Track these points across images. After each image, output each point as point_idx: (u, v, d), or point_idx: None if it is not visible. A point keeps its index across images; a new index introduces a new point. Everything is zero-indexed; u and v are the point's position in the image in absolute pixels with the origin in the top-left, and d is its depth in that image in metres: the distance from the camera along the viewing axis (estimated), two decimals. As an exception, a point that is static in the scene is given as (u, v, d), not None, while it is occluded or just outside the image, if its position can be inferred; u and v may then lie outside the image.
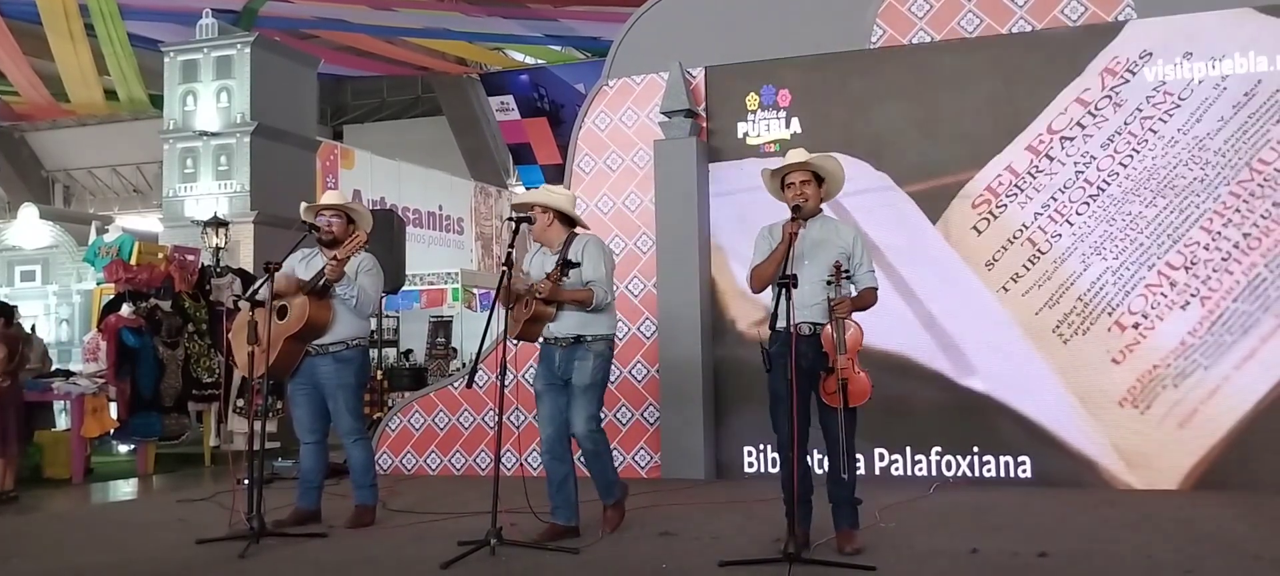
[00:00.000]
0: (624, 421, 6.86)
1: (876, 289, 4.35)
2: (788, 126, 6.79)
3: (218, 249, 10.18)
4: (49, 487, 7.39)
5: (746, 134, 6.89)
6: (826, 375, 4.16)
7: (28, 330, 8.68)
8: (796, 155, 4.36)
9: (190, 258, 9.22)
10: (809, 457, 4.33)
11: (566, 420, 4.71)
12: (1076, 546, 4.35)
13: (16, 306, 7.39)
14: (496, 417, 4.52)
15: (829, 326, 4.15)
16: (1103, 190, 6.14)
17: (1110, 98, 6.16)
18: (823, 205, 4.40)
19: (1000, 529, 4.79)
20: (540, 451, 4.80)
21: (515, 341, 4.71)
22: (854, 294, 4.27)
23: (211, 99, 12.01)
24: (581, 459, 4.79)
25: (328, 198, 5.24)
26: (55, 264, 12.61)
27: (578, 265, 4.58)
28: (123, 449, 8.65)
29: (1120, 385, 6.01)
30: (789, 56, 6.79)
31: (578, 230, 4.84)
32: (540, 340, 4.77)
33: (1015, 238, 6.26)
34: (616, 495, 4.87)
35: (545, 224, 4.76)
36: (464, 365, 12.51)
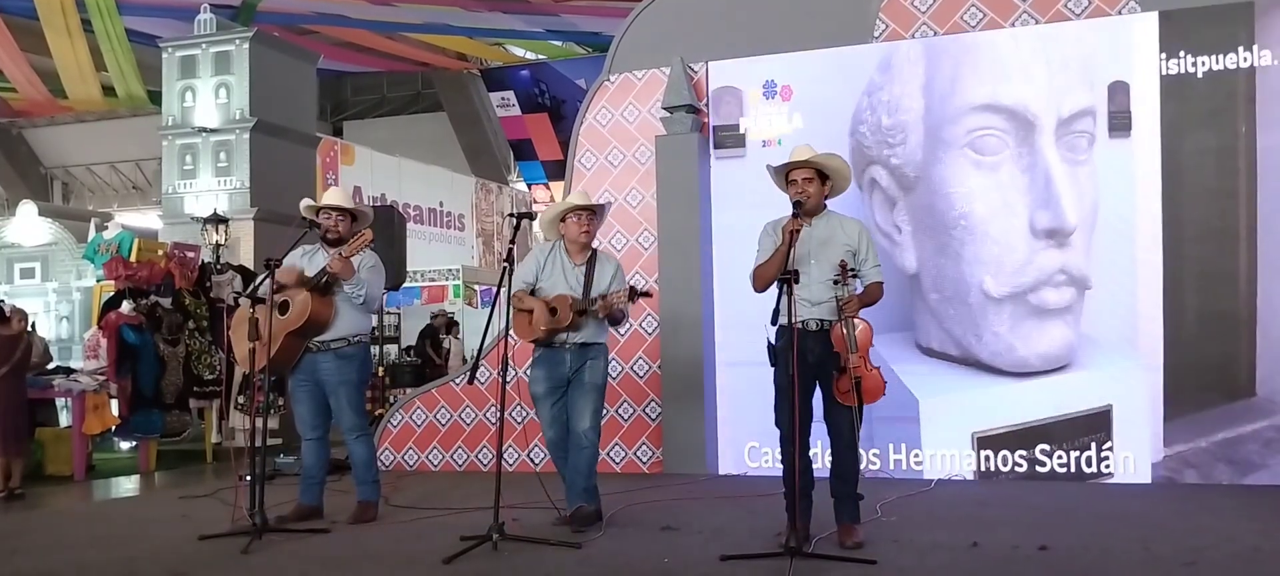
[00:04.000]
0: (626, 417, 6.86)
1: (882, 283, 4.35)
2: (790, 121, 6.78)
3: (218, 246, 10.16)
4: (51, 485, 7.40)
5: (748, 129, 6.88)
6: (840, 374, 4.16)
7: (27, 328, 8.67)
8: (803, 152, 4.36)
9: (190, 254, 9.21)
10: (810, 453, 4.34)
11: (566, 421, 4.85)
12: (1076, 540, 4.36)
13: (3, 302, 7.28)
14: (498, 413, 4.54)
15: (839, 325, 4.15)
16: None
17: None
18: (827, 202, 4.39)
19: (1001, 523, 4.81)
20: (547, 451, 4.97)
21: (524, 340, 4.83)
22: (860, 290, 4.27)
23: (210, 95, 11.97)
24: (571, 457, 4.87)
25: (332, 196, 5.24)
26: (55, 261, 12.57)
27: (647, 293, 4.85)
28: (124, 446, 8.66)
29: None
30: (791, 51, 6.78)
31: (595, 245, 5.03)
32: (551, 342, 4.84)
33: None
34: (598, 500, 4.88)
35: (588, 238, 4.92)
36: (465, 361, 12.51)
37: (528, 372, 4.90)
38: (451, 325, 13.08)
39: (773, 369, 4.22)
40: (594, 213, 4.92)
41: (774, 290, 4.12)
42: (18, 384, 6.87)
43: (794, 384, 3.98)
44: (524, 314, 4.84)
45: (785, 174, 4.34)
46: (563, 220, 4.92)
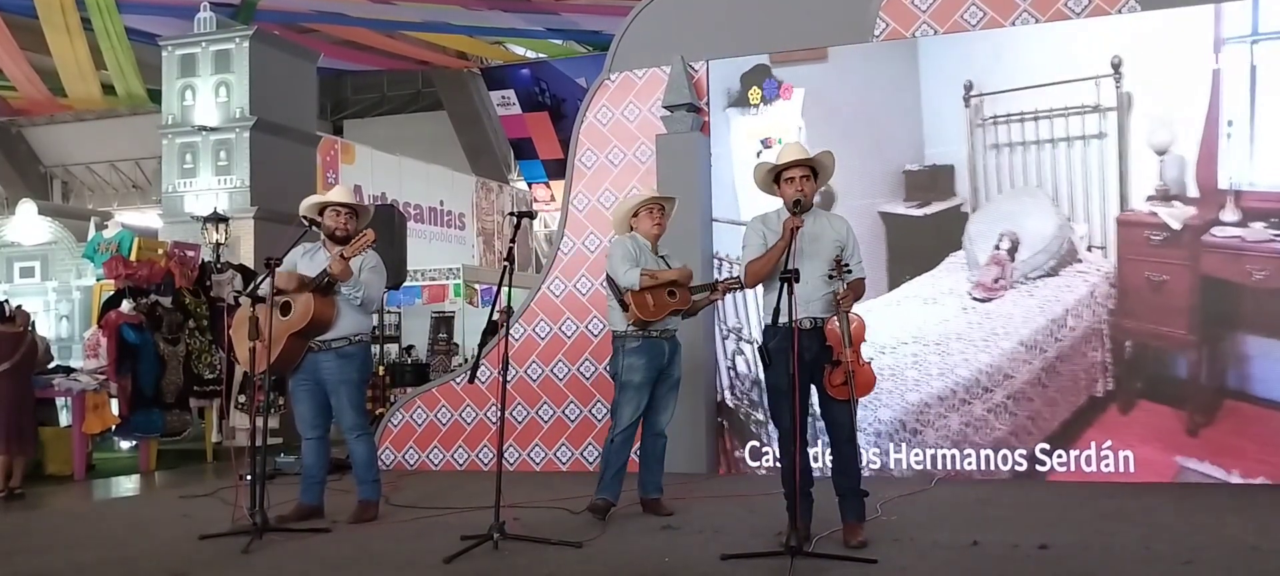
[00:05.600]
0: (625, 416, 6.85)
1: (865, 279, 4.40)
2: (788, 121, 6.76)
3: (218, 245, 10.17)
4: (51, 484, 7.40)
5: (749, 128, 6.87)
6: (832, 368, 4.16)
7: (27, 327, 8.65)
8: (795, 151, 4.36)
9: (190, 254, 9.21)
10: (809, 451, 4.35)
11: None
12: (1076, 538, 4.36)
13: (6, 301, 7.26)
14: (499, 413, 4.54)
15: (833, 320, 4.15)
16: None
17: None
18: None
19: (1001, 522, 4.81)
20: (618, 434, 5.02)
21: (646, 318, 4.95)
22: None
23: (210, 94, 11.97)
24: (639, 449, 5.13)
25: (337, 193, 5.24)
26: (54, 260, 12.56)
27: (741, 284, 4.97)
28: (124, 445, 8.65)
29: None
30: (791, 50, 6.78)
31: None
32: (649, 331, 4.99)
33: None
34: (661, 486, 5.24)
35: (660, 231, 5.18)
36: (465, 360, 12.52)
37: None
38: None
39: (766, 370, 4.22)
40: (664, 207, 5.19)
41: (760, 291, 4.14)
42: (22, 383, 6.86)
43: (794, 382, 3.98)
44: (647, 293, 4.95)
45: (778, 173, 4.33)
46: (635, 215, 5.14)
